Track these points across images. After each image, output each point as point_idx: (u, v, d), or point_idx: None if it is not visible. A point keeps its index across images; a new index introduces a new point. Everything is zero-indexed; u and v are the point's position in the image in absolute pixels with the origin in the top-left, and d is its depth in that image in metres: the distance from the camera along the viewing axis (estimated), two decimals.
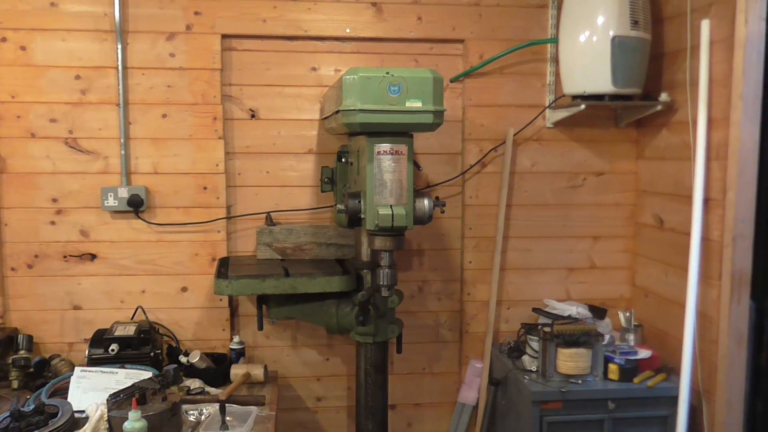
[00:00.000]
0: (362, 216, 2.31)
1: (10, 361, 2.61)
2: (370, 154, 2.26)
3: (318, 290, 2.54)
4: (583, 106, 2.71)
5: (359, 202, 2.32)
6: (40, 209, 2.80)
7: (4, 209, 2.78)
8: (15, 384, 2.59)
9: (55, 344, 2.86)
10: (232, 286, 2.50)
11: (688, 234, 2.53)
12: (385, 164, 2.27)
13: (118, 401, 2.18)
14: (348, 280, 2.56)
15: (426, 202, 2.38)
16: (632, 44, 2.63)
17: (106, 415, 2.18)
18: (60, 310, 2.85)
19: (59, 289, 2.84)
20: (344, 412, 3.09)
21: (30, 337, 2.76)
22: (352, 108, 2.15)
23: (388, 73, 2.15)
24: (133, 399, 2.11)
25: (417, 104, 2.18)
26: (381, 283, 2.37)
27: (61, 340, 2.87)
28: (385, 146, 2.26)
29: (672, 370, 2.66)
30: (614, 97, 2.69)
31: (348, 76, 2.15)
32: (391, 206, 2.27)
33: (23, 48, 2.72)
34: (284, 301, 2.66)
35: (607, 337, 2.74)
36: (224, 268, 2.69)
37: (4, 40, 2.70)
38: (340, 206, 2.38)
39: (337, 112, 2.24)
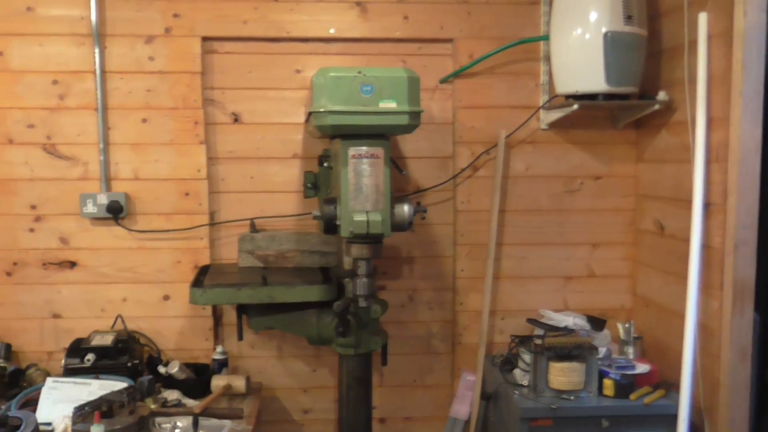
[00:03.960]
0: (338, 222, 2.21)
1: None
2: (345, 157, 2.16)
3: (296, 300, 2.45)
4: (575, 107, 2.58)
5: (335, 208, 2.23)
6: (19, 216, 2.75)
7: None
8: None
9: (34, 353, 2.80)
10: (207, 295, 2.41)
11: (688, 241, 2.39)
12: (361, 168, 2.17)
13: (84, 414, 2.11)
14: (327, 289, 2.46)
15: (406, 207, 2.27)
16: (626, 40, 2.50)
17: (70, 429, 2.11)
18: (39, 318, 2.80)
19: (39, 297, 2.79)
20: (332, 425, 2.98)
21: (8, 346, 2.71)
22: (323, 110, 2.06)
23: (359, 72, 2.06)
24: (96, 412, 2.03)
25: (391, 105, 2.08)
26: (357, 292, 2.27)
27: (40, 348, 2.81)
28: (359, 149, 2.16)
29: (672, 386, 2.51)
30: (608, 96, 2.56)
31: (318, 77, 2.06)
32: (366, 212, 2.17)
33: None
34: (264, 310, 2.57)
35: (603, 350, 2.59)
36: (203, 275, 2.61)
37: None
38: (315, 212, 2.28)
39: (310, 114, 2.15)
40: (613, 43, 2.47)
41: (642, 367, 2.56)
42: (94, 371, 2.51)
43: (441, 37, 2.84)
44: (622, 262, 2.98)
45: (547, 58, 2.82)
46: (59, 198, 2.75)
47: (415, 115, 2.11)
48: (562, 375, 2.46)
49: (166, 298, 2.84)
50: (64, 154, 2.74)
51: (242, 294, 2.42)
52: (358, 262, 2.26)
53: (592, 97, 2.57)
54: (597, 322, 2.82)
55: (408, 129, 2.13)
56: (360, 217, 2.15)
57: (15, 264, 2.76)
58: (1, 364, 2.62)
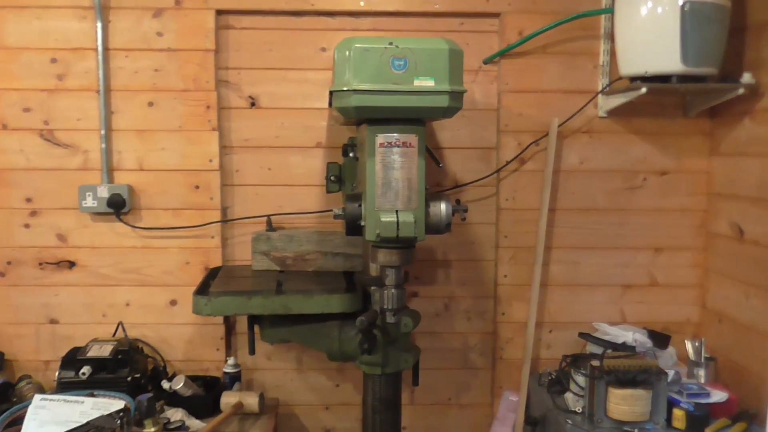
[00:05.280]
0: (362, 223, 1.89)
1: None
2: (372, 146, 1.84)
3: (315, 311, 2.13)
4: (644, 90, 2.22)
5: (359, 206, 1.91)
6: (13, 210, 2.49)
7: None
8: None
9: (30, 362, 2.55)
10: (212, 305, 2.11)
11: None
12: (391, 159, 1.85)
13: None
14: (351, 299, 2.14)
15: (443, 206, 1.94)
16: (707, 13, 2.13)
17: None
18: (35, 323, 2.54)
19: (35, 301, 2.53)
20: None
21: (1, 355, 2.46)
22: (346, 88, 1.73)
23: (391, 43, 1.74)
24: None
25: (428, 83, 1.74)
26: (385, 306, 1.94)
27: (36, 357, 2.55)
28: (389, 137, 1.84)
29: (755, 418, 2.15)
30: (684, 78, 2.19)
31: (341, 49, 1.74)
32: (396, 212, 1.84)
33: None
34: (279, 321, 2.26)
35: (671, 374, 2.23)
36: (211, 280, 2.31)
37: None
38: (337, 211, 1.96)
39: (331, 94, 1.83)
40: (692, 16, 2.11)
41: (718, 395, 2.20)
42: (90, 386, 2.25)
43: (486, 11, 2.51)
44: (689, 269, 2.61)
45: (609, 36, 2.46)
46: (57, 190, 2.49)
47: (457, 96, 1.77)
48: (625, 403, 2.11)
49: (173, 303, 2.56)
50: (63, 141, 2.47)
51: (253, 303, 2.11)
52: (386, 270, 1.94)
53: (663, 79, 2.21)
54: (660, 339, 2.46)
55: (448, 112, 1.80)
56: (388, 218, 1.82)
57: (9, 263, 2.51)
58: None
